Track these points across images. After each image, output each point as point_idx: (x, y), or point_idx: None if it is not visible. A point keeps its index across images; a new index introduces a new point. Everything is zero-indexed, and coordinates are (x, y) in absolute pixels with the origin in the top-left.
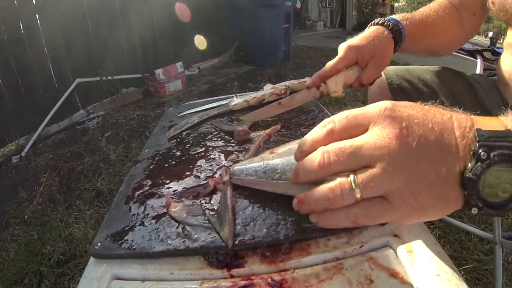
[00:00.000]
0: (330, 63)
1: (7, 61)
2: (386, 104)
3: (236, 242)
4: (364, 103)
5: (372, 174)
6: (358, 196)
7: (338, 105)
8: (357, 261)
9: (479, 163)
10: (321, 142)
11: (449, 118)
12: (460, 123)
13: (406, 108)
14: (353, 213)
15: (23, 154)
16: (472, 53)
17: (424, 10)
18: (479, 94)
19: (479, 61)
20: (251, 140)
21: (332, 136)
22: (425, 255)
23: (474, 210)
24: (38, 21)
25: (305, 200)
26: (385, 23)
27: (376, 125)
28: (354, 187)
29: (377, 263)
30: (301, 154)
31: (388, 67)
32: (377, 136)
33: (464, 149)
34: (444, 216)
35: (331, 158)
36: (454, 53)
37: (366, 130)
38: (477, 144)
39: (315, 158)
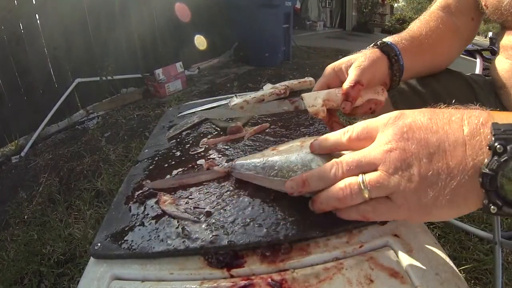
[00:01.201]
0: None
1: (7, 61)
2: (394, 113)
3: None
4: None
5: (379, 177)
6: (367, 196)
7: None
8: (357, 261)
9: (495, 157)
10: (340, 146)
11: (458, 118)
12: (471, 120)
13: (413, 114)
14: (362, 209)
15: (22, 154)
16: (472, 53)
17: (414, 25)
18: (478, 95)
19: (478, 61)
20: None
21: (349, 143)
22: (425, 255)
23: (493, 209)
24: (38, 21)
25: (318, 200)
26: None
27: (381, 133)
28: (363, 188)
29: (377, 263)
30: (320, 148)
31: None
32: (380, 143)
33: (475, 147)
34: (456, 217)
35: (344, 168)
36: None
37: (375, 139)
38: (493, 138)
39: (329, 168)
